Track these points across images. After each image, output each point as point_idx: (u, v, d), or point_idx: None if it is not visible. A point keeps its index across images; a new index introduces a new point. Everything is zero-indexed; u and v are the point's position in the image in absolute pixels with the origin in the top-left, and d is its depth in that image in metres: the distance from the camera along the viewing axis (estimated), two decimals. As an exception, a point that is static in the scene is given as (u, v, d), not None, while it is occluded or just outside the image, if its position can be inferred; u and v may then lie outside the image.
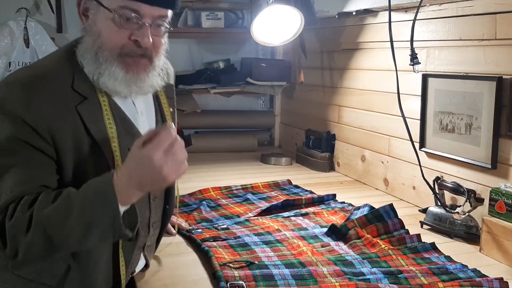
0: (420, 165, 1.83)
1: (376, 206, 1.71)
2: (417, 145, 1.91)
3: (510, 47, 1.59)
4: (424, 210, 1.79)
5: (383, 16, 2.17)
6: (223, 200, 2.01)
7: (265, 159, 2.79)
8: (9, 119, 1.07)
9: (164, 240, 1.48)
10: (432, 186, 1.77)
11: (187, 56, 3.23)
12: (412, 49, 1.79)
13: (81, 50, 1.17)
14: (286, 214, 1.84)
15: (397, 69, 1.86)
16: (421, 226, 1.75)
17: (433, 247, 1.51)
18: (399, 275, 1.33)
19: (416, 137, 1.92)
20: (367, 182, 2.36)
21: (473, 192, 1.68)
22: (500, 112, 1.62)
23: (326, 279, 1.31)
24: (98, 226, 1.05)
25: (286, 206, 1.93)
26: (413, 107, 1.99)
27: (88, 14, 1.17)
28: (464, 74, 1.76)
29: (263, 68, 3.02)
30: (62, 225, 1.04)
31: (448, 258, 1.45)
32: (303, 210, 1.88)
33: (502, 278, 1.29)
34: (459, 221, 1.64)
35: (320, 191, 2.14)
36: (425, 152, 1.94)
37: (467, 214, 1.65)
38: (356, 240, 1.55)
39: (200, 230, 1.65)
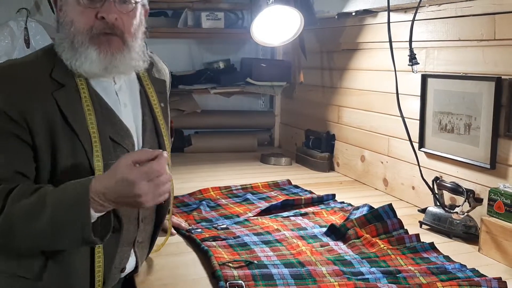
0: (419, 165, 1.83)
1: (376, 206, 1.71)
2: (416, 145, 1.91)
3: (509, 48, 1.59)
4: (423, 210, 1.79)
5: (383, 17, 2.17)
6: (222, 200, 2.01)
7: (265, 159, 2.79)
8: None
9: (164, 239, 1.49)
10: (431, 186, 1.78)
11: (187, 56, 3.24)
12: (411, 49, 1.79)
13: (58, 41, 1.21)
14: (285, 214, 1.84)
15: (396, 69, 1.86)
16: (420, 226, 1.76)
17: (432, 247, 1.52)
18: (398, 275, 1.33)
19: (415, 137, 1.93)
20: (367, 182, 2.36)
21: (472, 192, 1.69)
22: (499, 112, 1.62)
23: (325, 278, 1.31)
24: (66, 233, 1.06)
25: (285, 206, 1.93)
26: (412, 107, 1.99)
27: (62, 8, 1.21)
28: (463, 74, 1.76)
29: (263, 68, 3.02)
30: (29, 225, 1.05)
31: (447, 258, 1.46)
32: (303, 210, 1.88)
33: (500, 278, 1.29)
34: (458, 221, 1.64)
35: (319, 191, 2.14)
36: (424, 152, 1.95)
37: (466, 214, 1.66)
38: (355, 240, 1.56)
39: (199, 230, 1.65)
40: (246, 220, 1.77)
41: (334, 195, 2.06)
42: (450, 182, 1.75)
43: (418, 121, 1.96)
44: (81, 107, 1.17)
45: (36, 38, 2.78)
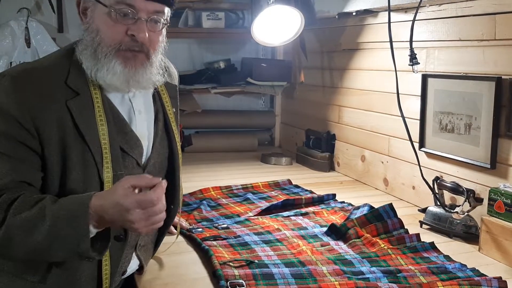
0: (419, 165, 1.83)
1: (376, 206, 1.72)
2: (416, 145, 1.92)
3: (509, 48, 1.59)
4: (423, 210, 1.79)
5: (383, 17, 2.17)
6: (223, 200, 2.02)
7: (265, 159, 2.80)
8: None
9: (167, 239, 1.48)
10: (432, 186, 1.78)
11: (188, 56, 3.24)
12: (412, 49, 1.79)
13: (80, 47, 1.19)
14: (286, 213, 1.84)
15: (397, 69, 1.86)
16: (421, 226, 1.76)
17: (432, 246, 1.52)
18: (398, 274, 1.34)
19: (415, 137, 1.93)
20: (367, 182, 2.36)
21: (472, 192, 1.69)
22: (499, 112, 1.62)
23: (326, 278, 1.31)
24: (64, 246, 1.07)
25: (286, 205, 1.93)
26: (412, 107, 1.99)
27: (87, 12, 1.19)
28: (464, 74, 1.77)
29: (264, 68, 3.02)
30: (27, 238, 1.05)
31: (447, 258, 1.46)
32: (303, 210, 1.88)
33: (500, 278, 1.29)
34: (458, 221, 1.65)
35: (320, 191, 2.14)
36: (425, 152, 1.95)
37: (466, 213, 1.66)
38: (355, 240, 1.56)
39: (200, 229, 1.66)
40: (246, 219, 1.78)
41: (334, 195, 2.06)
42: (451, 182, 1.75)
43: (418, 121, 1.96)
44: (94, 117, 1.16)
45: (37, 37, 2.78)
